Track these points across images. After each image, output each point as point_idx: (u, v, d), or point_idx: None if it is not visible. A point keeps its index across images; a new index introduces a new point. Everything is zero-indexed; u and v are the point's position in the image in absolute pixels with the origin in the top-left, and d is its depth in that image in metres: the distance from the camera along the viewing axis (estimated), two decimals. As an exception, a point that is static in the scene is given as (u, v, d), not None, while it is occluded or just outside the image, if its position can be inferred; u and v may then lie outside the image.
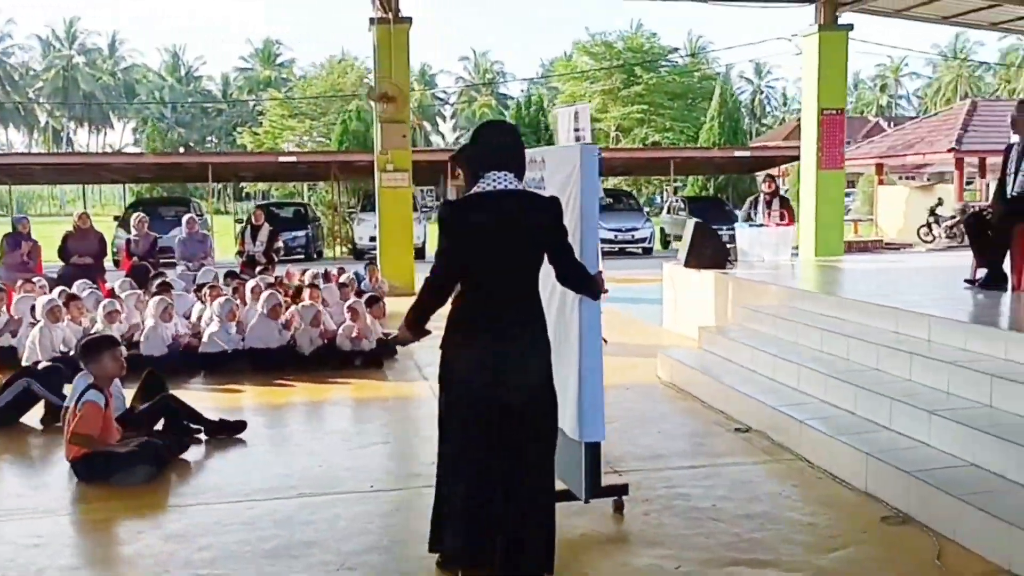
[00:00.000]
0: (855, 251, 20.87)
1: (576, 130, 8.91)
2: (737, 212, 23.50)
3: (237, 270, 11.92)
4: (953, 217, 23.02)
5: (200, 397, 6.57)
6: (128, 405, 5.68)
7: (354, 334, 7.97)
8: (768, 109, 74.78)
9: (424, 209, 25.53)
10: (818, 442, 4.99)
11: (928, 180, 33.05)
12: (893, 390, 5.09)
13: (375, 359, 7.96)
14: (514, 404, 3.31)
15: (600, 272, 3.76)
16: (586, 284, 3.60)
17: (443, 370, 3.44)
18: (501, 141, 3.41)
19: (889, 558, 3.81)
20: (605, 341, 8.62)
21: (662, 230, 25.49)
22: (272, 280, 9.90)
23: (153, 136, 52.09)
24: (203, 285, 9.40)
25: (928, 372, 5.15)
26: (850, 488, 4.60)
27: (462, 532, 3.36)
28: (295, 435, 6.04)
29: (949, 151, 23.21)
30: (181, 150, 63.25)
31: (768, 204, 10.70)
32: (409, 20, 13.23)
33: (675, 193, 28.73)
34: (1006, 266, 6.84)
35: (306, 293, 8.58)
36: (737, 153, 23.88)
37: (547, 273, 3.98)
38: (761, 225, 10.01)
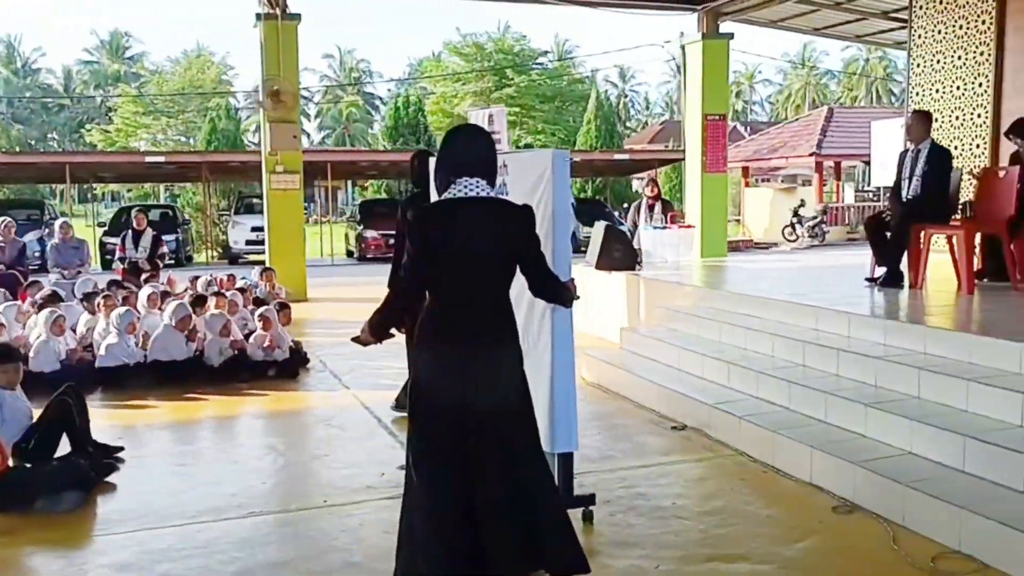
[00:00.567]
0: (745, 248, 21.80)
1: (491, 133, 8.90)
2: (614, 213, 24.21)
3: (117, 277, 11.34)
4: (815, 218, 24.29)
5: (104, 415, 6.24)
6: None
7: (266, 343, 7.73)
8: (632, 113, 76.73)
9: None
10: (759, 437, 5.17)
11: (782, 182, 34.68)
12: (825, 385, 5.33)
13: (289, 369, 7.74)
14: (489, 415, 3.22)
15: (572, 280, 3.75)
16: (560, 294, 3.55)
17: (414, 379, 3.35)
18: (476, 147, 3.33)
19: (849, 546, 3.99)
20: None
21: None
22: (167, 288, 9.49)
23: (-2, 133, 48.90)
24: (92, 294, 8.90)
25: (855, 367, 5.41)
26: (795, 480, 4.79)
27: (441, 559, 3.19)
28: (226, 451, 5.81)
29: (810, 155, 24.50)
30: (17, 149, 59.53)
31: (651, 208, 10.97)
32: (298, 17, 12.93)
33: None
34: (902, 265, 7.27)
35: (212, 301, 8.24)
36: (617, 156, 24.42)
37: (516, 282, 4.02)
38: (664, 227, 10.27)
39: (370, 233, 22.17)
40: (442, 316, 3.23)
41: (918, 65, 10.54)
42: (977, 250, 7.38)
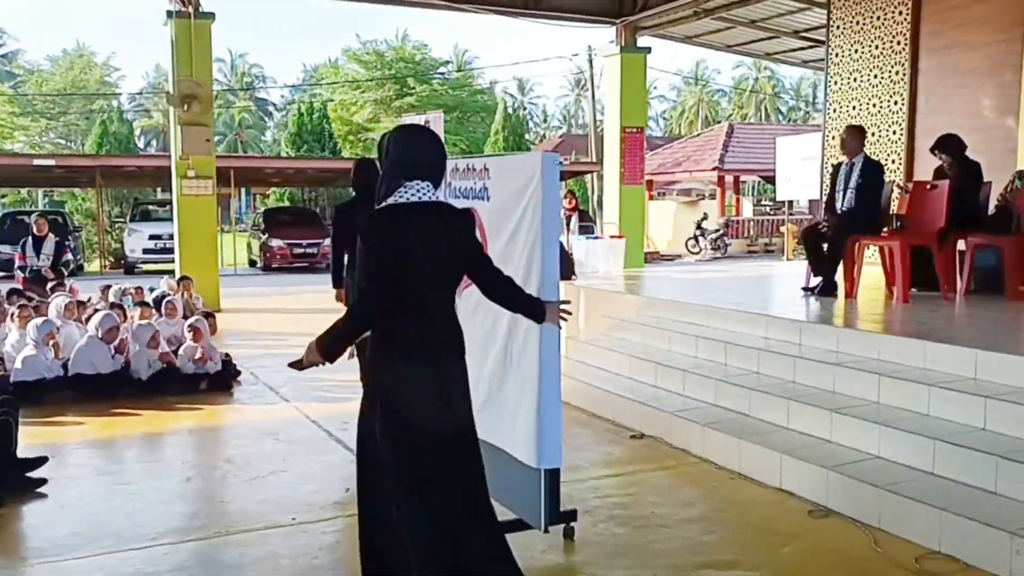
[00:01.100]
0: (651, 261, 22.15)
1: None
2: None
3: (17, 286, 10.72)
4: (717, 230, 24.97)
5: (25, 433, 5.81)
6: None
7: (197, 355, 7.40)
8: (530, 125, 77.43)
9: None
10: (724, 445, 5.21)
11: (676, 195, 35.53)
12: (785, 391, 5.42)
13: (222, 382, 7.43)
14: (463, 430, 3.15)
15: (563, 301, 3.58)
16: (517, 300, 3.36)
17: (388, 403, 3.02)
18: (429, 149, 3.13)
19: (832, 549, 4.04)
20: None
21: None
22: (82, 298, 9.01)
23: None
24: (-3, 304, 8.38)
25: (811, 373, 5.52)
26: (764, 487, 4.84)
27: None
28: (174, 468, 5.49)
29: (713, 169, 25.16)
30: None
31: (568, 220, 11.03)
32: (212, 16, 12.51)
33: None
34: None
35: (136, 312, 7.86)
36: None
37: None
38: (596, 237, 10.34)
39: (275, 242, 21.64)
40: (411, 330, 3.02)
41: (835, 83, 10.92)
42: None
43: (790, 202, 28.30)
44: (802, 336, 6.01)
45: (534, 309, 3.39)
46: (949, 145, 7.60)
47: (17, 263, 12.01)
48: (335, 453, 5.60)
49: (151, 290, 10.35)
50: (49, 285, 10.77)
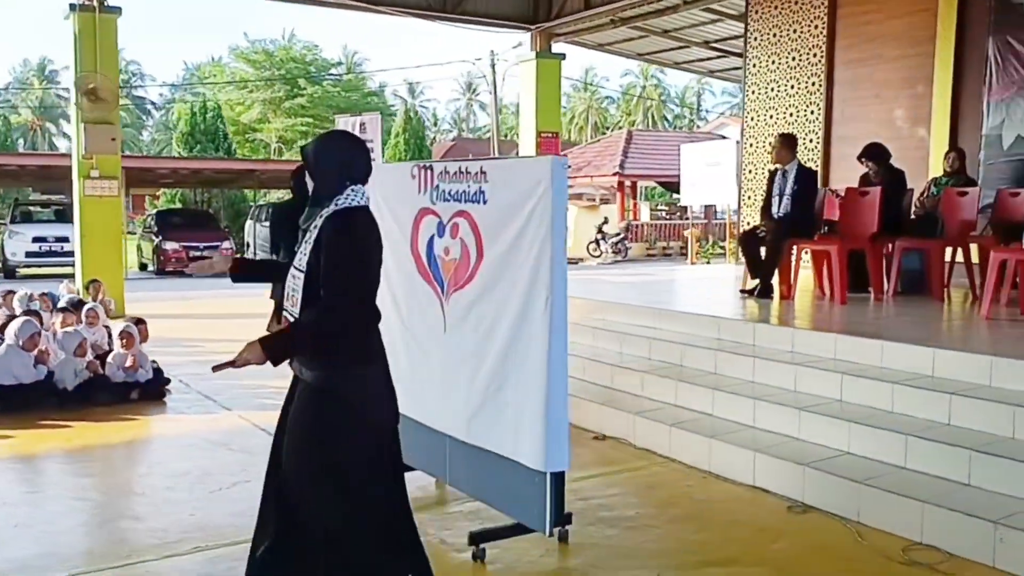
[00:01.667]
0: None
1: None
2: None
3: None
4: (618, 235, 25.43)
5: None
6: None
7: (128, 363, 7.05)
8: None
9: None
10: (692, 444, 5.29)
11: (574, 200, 36.03)
12: (747, 391, 5.55)
13: (154, 391, 7.10)
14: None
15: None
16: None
17: (353, 409, 2.99)
18: (367, 156, 3.17)
19: (820, 543, 4.15)
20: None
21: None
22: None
23: None
24: None
25: (770, 373, 5.67)
26: (737, 484, 4.93)
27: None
28: (127, 481, 5.22)
29: (614, 175, 25.60)
30: None
31: None
32: (118, 10, 11.98)
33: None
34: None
35: (57, 319, 7.43)
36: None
37: (507, 291, 3.89)
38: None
39: (169, 245, 20.87)
40: (372, 334, 3.10)
41: (753, 92, 11.27)
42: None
43: (685, 207, 29.16)
44: (756, 337, 6.17)
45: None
46: (876, 153, 7.95)
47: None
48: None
49: (48, 295, 9.80)
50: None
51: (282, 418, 3.13)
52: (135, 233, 24.35)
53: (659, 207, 32.12)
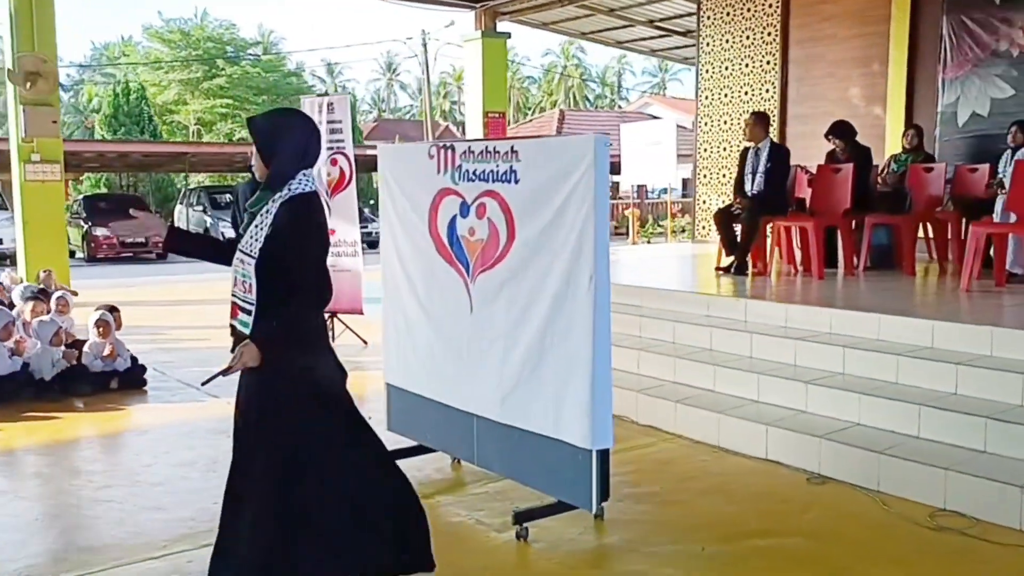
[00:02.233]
0: None
1: (331, 122, 8.45)
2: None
3: None
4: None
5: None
6: None
7: (106, 352, 6.79)
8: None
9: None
10: (700, 420, 5.35)
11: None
12: (749, 366, 5.63)
13: (134, 380, 6.87)
14: None
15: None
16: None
17: (327, 389, 3.10)
18: (320, 141, 3.18)
19: (849, 512, 4.23)
20: (365, 343, 8.33)
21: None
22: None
23: None
24: None
25: (769, 348, 5.76)
26: (750, 458, 5.01)
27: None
28: (137, 472, 4.99)
29: (550, 154, 25.61)
30: None
31: None
32: (57, -14, 11.46)
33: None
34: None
35: (27, 307, 7.10)
36: (370, 152, 24.01)
37: (544, 270, 3.87)
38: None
39: (100, 231, 20.17)
40: (320, 319, 3.17)
41: (707, 71, 11.40)
42: (800, 241, 8.14)
43: (616, 187, 29.38)
44: (748, 313, 6.26)
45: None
46: (843, 130, 8.13)
47: None
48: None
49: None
50: None
51: (244, 410, 3.06)
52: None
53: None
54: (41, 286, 8.28)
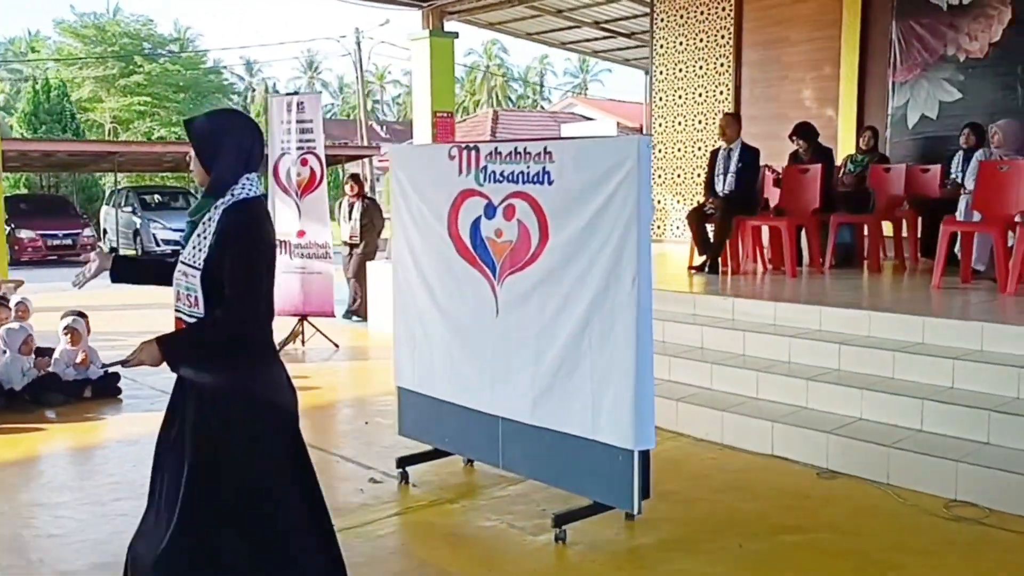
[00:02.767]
0: None
1: (301, 121, 8.30)
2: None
3: None
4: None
5: None
6: None
7: (79, 359, 6.55)
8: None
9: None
10: (703, 418, 5.44)
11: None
12: (745, 363, 5.75)
13: (109, 388, 6.64)
14: None
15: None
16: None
17: (266, 410, 2.79)
18: (263, 143, 2.94)
19: (866, 505, 4.36)
20: (336, 346, 8.23)
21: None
22: None
23: None
24: None
25: (762, 345, 5.89)
26: (757, 455, 5.11)
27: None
28: (139, 482, 4.85)
29: (485, 153, 25.64)
30: None
31: (351, 208, 10.39)
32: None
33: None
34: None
35: (-9, 314, 6.80)
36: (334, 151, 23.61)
37: (581, 271, 3.88)
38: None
39: (25, 234, 19.40)
40: (268, 330, 2.86)
41: (661, 73, 11.56)
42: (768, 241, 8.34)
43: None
44: (735, 312, 6.38)
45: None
46: (806, 132, 8.35)
47: None
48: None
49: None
50: None
51: (168, 430, 2.81)
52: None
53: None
54: (2, 292, 7.92)
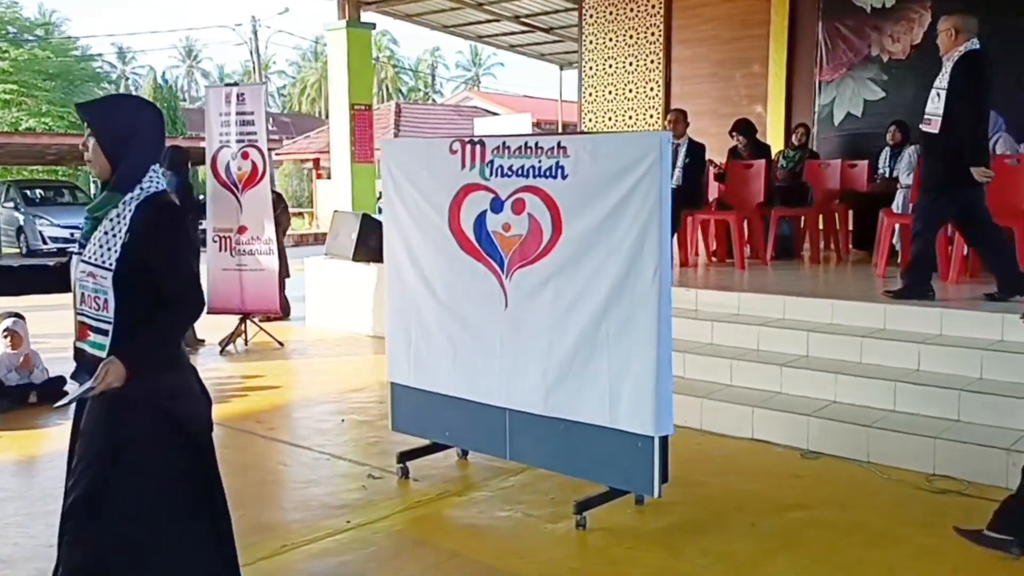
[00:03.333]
0: (310, 244, 21.80)
1: (242, 114, 8.08)
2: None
3: None
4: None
5: None
6: None
7: (20, 363, 6.23)
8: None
9: None
10: (681, 405, 5.43)
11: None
12: (713, 351, 5.94)
13: (55, 392, 6.31)
14: None
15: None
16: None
17: (182, 420, 2.66)
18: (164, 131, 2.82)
19: (854, 482, 4.57)
20: (281, 344, 8.10)
21: None
22: None
23: None
24: None
25: (728, 334, 6.09)
26: (739, 440, 5.29)
27: None
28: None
29: (390, 147, 25.40)
30: None
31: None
32: None
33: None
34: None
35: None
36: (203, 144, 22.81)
37: (599, 263, 3.94)
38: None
39: None
40: (179, 334, 2.76)
41: (591, 68, 11.72)
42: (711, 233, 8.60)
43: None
44: (699, 303, 6.57)
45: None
46: (746, 128, 8.65)
47: None
48: (279, 454, 5.17)
49: None
50: None
51: (87, 441, 2.62)
52: None
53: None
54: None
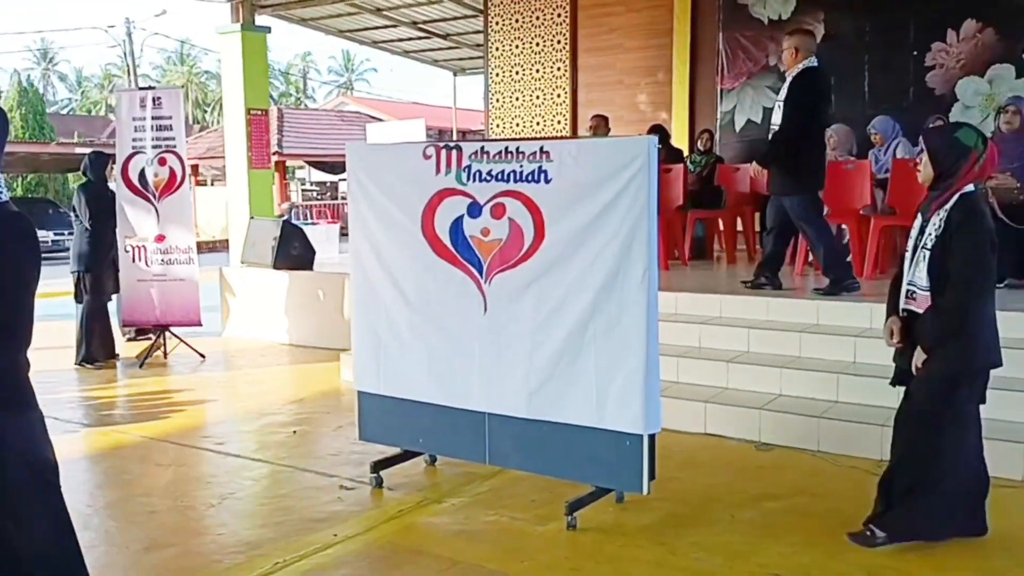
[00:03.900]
0: (205, 251, 21.12)
1: (158, 118, 7.79)
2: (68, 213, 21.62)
3: None
4: (282, 216, 24.79)
5: None
6: None
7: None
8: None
9: None
10: (633, 403, 5.73)
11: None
12: (661, 350, 6.07)
13: None
14: None
15: None
16: None
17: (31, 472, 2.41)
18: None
19: (813, 471, 4.80)
20: (202, 356, 7.91)
21: None
22: None
23: None
24: None
25: (673, 332, 6.22)
26: (692, 434, 5.47)
27: None
28: (88, 506, 4.42)
29: (274, 153, 24.81)
30: None
31: None
32: None
33: None
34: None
35: None
36: (79, 150, 21.75)
37: (585, 266, 4.02)
38: (314, 223, 9.97)
39: None
40: (23, 369, 2.40)
41: (496, 75, 11.82)
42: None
43: (336, 186, 29.20)
44: (678, 304, 6.70)
45: None
46: (661, 134, 8.91)
47: None
48: (242, 467, 5.05)
49: None
50: None
51: None
52: None
53: (309, 186, 31.69)
54: None
